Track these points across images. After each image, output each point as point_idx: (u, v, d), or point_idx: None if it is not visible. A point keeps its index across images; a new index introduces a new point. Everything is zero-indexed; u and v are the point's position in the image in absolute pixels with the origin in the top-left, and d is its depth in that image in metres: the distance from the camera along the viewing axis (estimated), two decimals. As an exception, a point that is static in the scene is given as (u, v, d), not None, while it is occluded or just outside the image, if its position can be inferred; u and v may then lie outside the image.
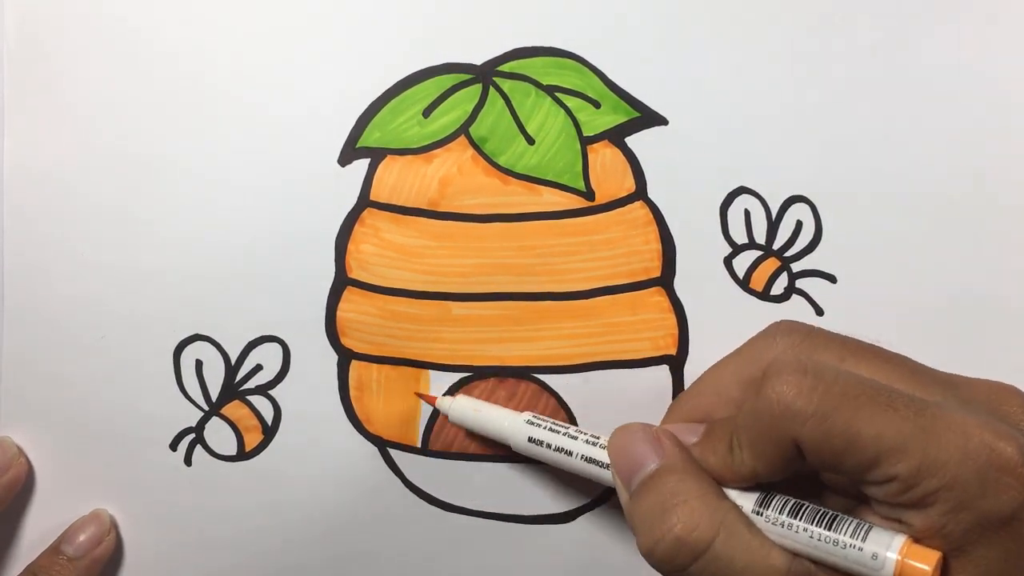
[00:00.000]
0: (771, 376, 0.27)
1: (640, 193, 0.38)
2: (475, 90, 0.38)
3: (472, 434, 0.38)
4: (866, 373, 0.28)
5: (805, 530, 0.28)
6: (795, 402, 0.27)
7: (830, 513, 0.28)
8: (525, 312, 0.38)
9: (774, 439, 0.27)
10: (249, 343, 0.39)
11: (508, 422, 0.36)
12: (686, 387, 0.37)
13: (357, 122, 0.38)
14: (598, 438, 0.34)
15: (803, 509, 0.28)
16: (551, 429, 0.35)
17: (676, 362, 0.38)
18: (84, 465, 0.39)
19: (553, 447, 0.34)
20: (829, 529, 0.27)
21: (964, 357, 0.36)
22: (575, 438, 0.34)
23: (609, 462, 0.33)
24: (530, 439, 0.35)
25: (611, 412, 0.38)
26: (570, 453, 0.34)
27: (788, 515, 0.28)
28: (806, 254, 0.37)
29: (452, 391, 0.38)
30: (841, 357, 0.29)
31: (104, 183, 0.38)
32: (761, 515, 0.29)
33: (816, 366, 0.27)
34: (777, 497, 0.29)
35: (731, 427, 0.29)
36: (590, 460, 0.34)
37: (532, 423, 0.35)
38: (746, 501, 0.29)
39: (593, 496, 0.38)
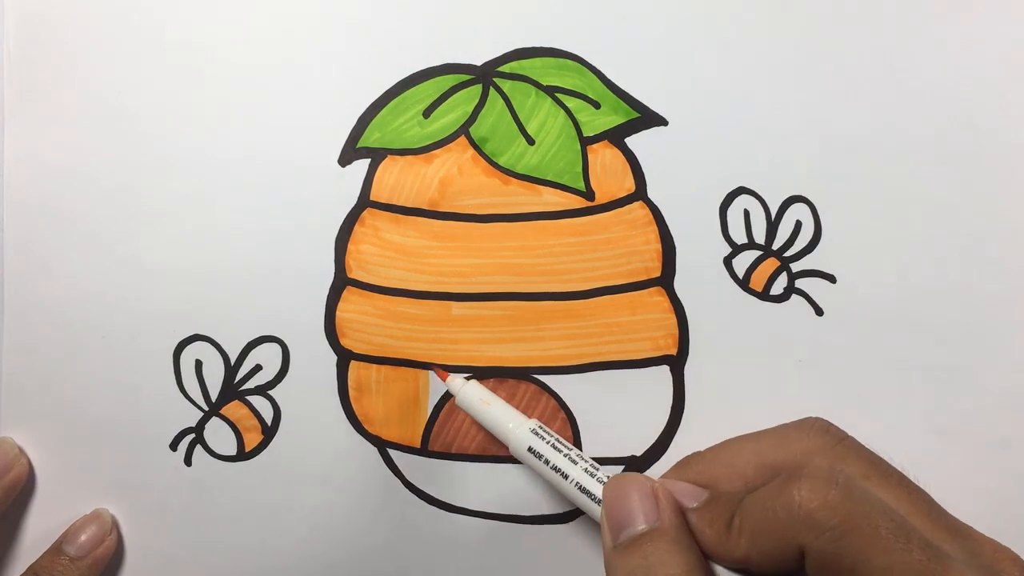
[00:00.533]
0: (800, 478, 0.27)
1: (640, 193, 0.38)
2: (475, 90, 0.38)
3: (473, 430, 0.38)
4: (886, 498, 0.28)
5: None
6: (816, 512, 0.26)
7: None
8: (525, 312, 0.38)
9: (781, 538, 0.27)
10: (249, 343, 0.39)
11: (512, 425, 0.36)
12: (686, 387, 0.38)
13: (357, 122, 0.38)
14: (597, 470, 0.34)
15: None
16: (554, 446, 0.35)
17: (676, 362, 0.38)
18: (85, 465, 0.39)
19: (551, 464, 0.34)
20: None
21: (964, 357, 0.36)
22: (575, 463, 0.34)
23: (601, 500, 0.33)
24: (530, 449, 0.35)
25: (611, 412, 0.38)
26: (566, 476, 0.34)
27: None
28: (805, 254, 0.37)
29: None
30: (866, 475, 0.29)
31: (104, 183, 0.38)
32: None
33: (846, 481, 0.27)
34: None
35: (736, 506, 0.29)
36: (583, 490, 0.34)
37: (537, 433, 0.35)
38: None
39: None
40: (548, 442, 0.35)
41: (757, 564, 0.28)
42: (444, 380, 0.38)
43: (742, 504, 0.29)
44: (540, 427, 0.36)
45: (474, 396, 0.37)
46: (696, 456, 0.34)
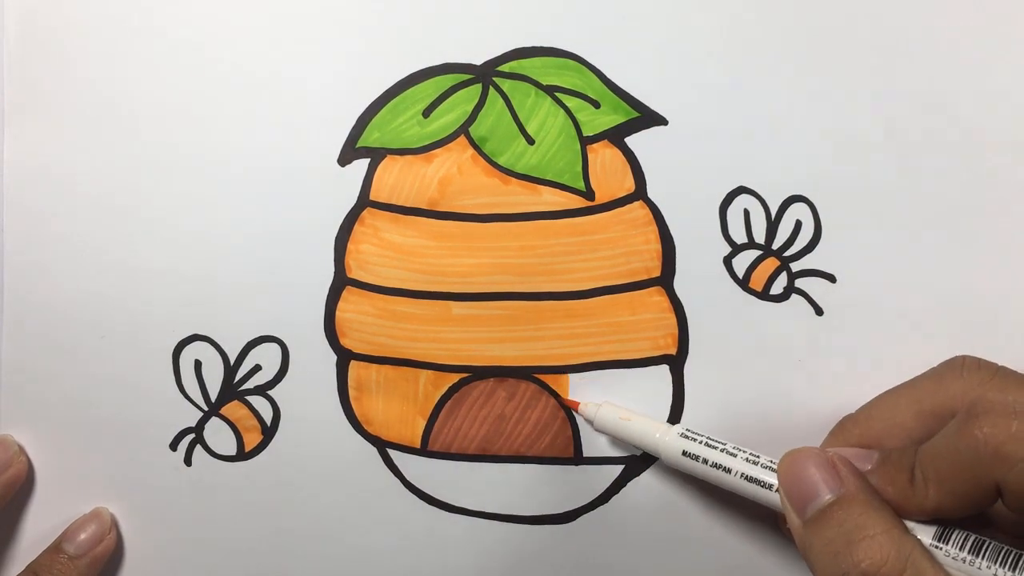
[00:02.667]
0: (978, 416, 0.27)
1: (640, 193, 0.38)
2: (475, 90, 0.38)
3: (473, 430, 0.38)
4: None
5: (988, 568, 0.27)
6: (1005, 446, 0.26)
7: (1014, 552, 0.27)
8: (525, 312, 0.38)
9: (973, 479, 0.27)
10: (248, 343, 0.39)
11: (659, 434, 0.35)
12: (686, 387, 0.38)
13: (357, 122, 0.38)
14: (758, 457, 0.33)
15: (985, 546, 0.27)
16: (707, 444, 0.34)
17: (676, 362, 0.38)
18: (84, 465, 0.39)
19: (710, 463, 0.34)
20: (1014, 570, 0.27)
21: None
22: (734, 455, 0.33)
23: (776, 484, 0.32)
24: (685, 453, 0.34)
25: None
26: (728, 470, 0.33)
27: (970, 552, 0.28)
28: (805, 254, 0.37)
29: (453, 391, 0.38)
30: None
31: (104, 183, 0.38)
32: (940, 550, 0.28)
33: None
34: (956, 532, 0.28)
35: (912, 459, 0.29)
36: (751, 479, 0.33)
37: (687, 436, 0.35)
38: (924, 535, 0.28)
39: (593, 496, 0.38)
40: (701, 441, 0.34)
41: (950, 510, 0.28)
42: (576, 409, 0.37)
43: (919, 456, 0.29)
44: (688, 430, 0.35)
45: (613, 416, 0.36)
46: (850, 419, 0.34)
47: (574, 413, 0.38)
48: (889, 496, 0.29)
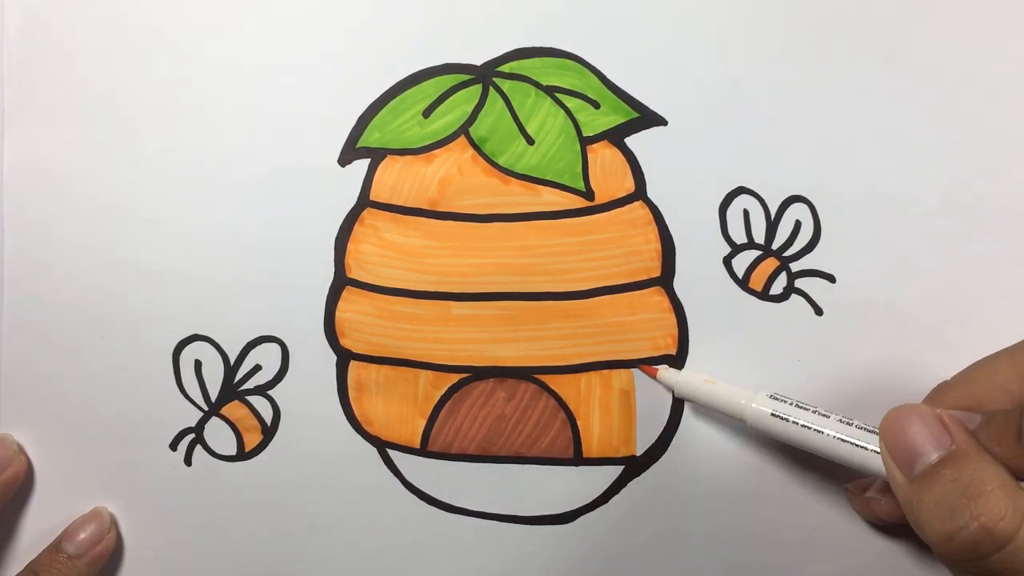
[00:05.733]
0: None
1: (640, 193, 0.38)
2: (475, 90, 0.38)
3: (473, 430, 0.38)
4: None
5: None
6: None
7: None
8: (525, 312, 0.38)
9: None
10: (248, 343, 0.39)
11: (746, 398, 0.35)
12: (686, 387, 0.38)
13: (357, 122, 0.38)
14: (852, 420, 0.33)
15: None
16: (798, 406, 0.34)
17: (676, 361, 0.38)
18: (84, 464, 0.39)
19: (801, 423, 0.33)
20: None
21: (963, 357, 0.36)
22: (826, 416, 0.33)
23: (874, 445, 0.31)
24: (774, 414, 0.34)
25: (611, 412, 0.38)
26: (820, 431, 0.32)
27: None
28: (805, 254, 0.37)
29: (453, 391, 0.38)
30: None
31: (104, 183, 0.38)
32: None
33: None
34: None
35: (1019, 419, 0.28)
36: (845, 440, 0.32)
37: (776, 398, 0.34)
38: None
39: (593, 496, 0.38)
40: (790, 403, 0.34)
41: None
42: (655, 375, 0.37)
43: None
44: (775, 393, 0.34)
45: (696, 379, 0.36)
46: (947, 384, 0.34)
47: (572, 413, 0.38)
48: (996, 456, 0.29)
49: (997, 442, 0.29)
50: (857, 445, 0.32)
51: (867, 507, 0.36)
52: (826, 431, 0.32)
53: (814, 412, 0.33)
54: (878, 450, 0.31)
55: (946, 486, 0.28)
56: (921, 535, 0.28)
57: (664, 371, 0.37)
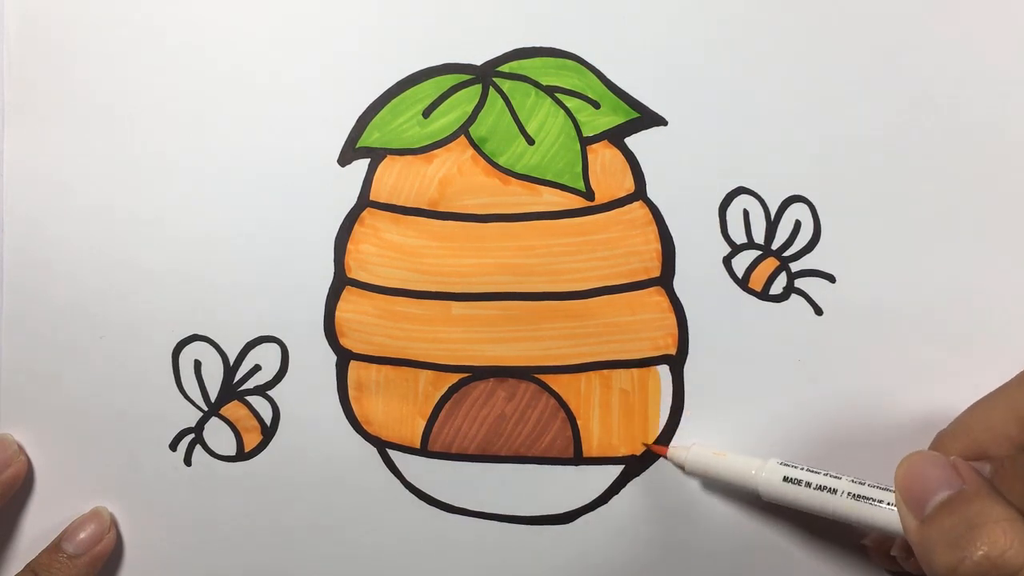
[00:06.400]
0: None
1: (639, 193, 0.38)
2: (475, 90, 0.38)
3: (473, 430, 0.38)
4: None
5: None
6: None
7: None
8: (525, 312, 0.38)
9: None
10: (248, 343, 0.39)
11: (755, 469, 0.35)
12: (686, 387, 0.38)
13: (357, 122, 0.38)
14: (864, 481, 0.33)
15: None
16: (808, 470, 0.34)
17: (676, 362, 0.38)
18: (84, 464, 0.39)
19: (814, 486, 0.33)
20: None
21: (963, 357, 0.36)
22: (838, 477, 0.33)
23: (885, 501, 0.32)
24: (786, 479, 0.34)
25: (611, 412, 0.38)
26: (834, 491, 0.33)
27: None
28: (805, 254, 0.37)
29: (453, 391, 0.38)
30: None
31: (104, 183, 0.38)
32: None
33: None
34: None
35: None
36: (858, 497, 0.32)
37: (785, 464, 0.34)
38: None
39: (593, 497, 0.38)
40: (801, 468, 0.34)
41: None
42: (665, 455, 0.37)
43: None
44: (782, 461, 0.35)
45: (706, 455, 0.36)
46: (947, 434, 0.34)
47: (572, 413, 0.38)
48: (1011, 502, 0.28)
49: (1009, 491, 0.29)
50: (871, 501, 0.32)
51: (894, 564, 0.36)
52: (839, 490, 0.33)
53: (825, 474, 0.33)
54: (894, 505, 0.31)
55: (954, 518, 0.28)
56: (929, 573, 0.28)
57: (673, 450, 0.37)
